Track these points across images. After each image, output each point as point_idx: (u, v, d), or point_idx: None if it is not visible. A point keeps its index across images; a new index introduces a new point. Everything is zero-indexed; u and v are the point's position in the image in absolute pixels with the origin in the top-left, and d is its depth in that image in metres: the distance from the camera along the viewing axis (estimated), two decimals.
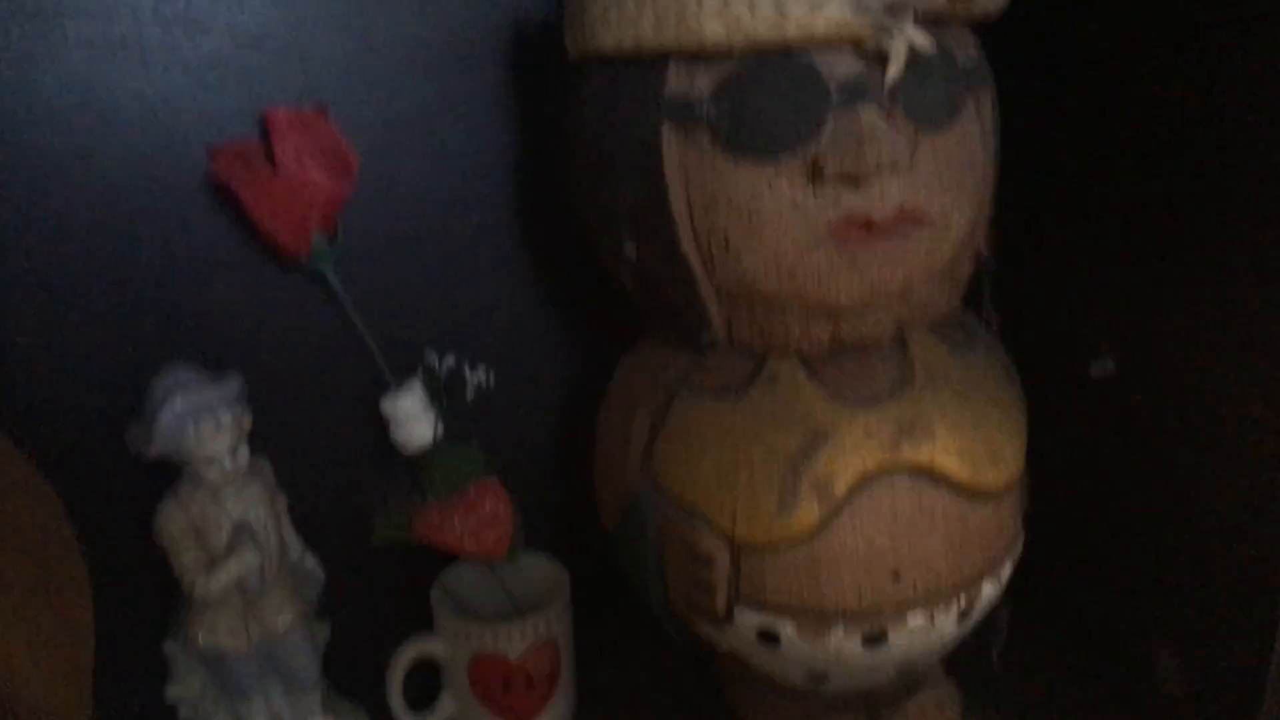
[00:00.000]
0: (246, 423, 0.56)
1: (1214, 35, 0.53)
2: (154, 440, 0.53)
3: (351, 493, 0.64)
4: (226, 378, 0.55)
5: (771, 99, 0.46)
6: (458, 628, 0.60)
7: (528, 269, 0.66)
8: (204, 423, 0.54)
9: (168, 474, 0.57)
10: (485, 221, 0.64)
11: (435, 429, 0.60)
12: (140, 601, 0.60)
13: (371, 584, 0.66)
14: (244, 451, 0.56)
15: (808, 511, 0.50)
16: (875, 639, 0.52)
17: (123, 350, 0.58)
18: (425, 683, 0.63)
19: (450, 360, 0.60)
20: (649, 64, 0.48)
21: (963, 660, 0.61)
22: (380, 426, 0.60)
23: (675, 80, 0.48)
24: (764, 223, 0.47)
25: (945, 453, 0.51)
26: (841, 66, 0.46)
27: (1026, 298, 0.66)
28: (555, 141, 0.62)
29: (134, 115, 0.56)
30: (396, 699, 0.61)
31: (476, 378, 0.60)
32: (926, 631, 0.53)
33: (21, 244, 0.56)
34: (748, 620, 0.53)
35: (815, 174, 0.46)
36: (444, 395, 0.60)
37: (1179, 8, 0.55)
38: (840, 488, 0.50)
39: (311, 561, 0.62)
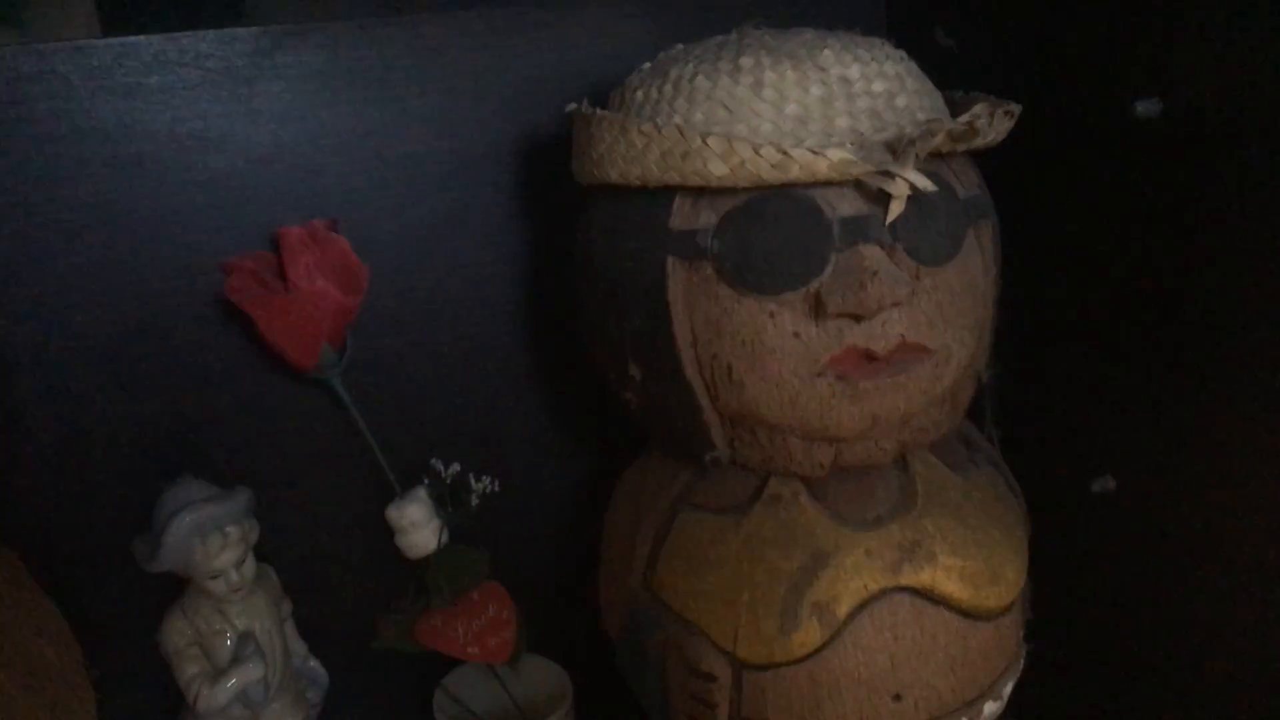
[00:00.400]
0: (253, 536, 0.57)
1: (1215, 152, 0.54)
2: (161, 556, 0.54)
3: (356, 598, 0.64)
4: (234, 492, 0.56)
5: (775, 236, 0.47)
6: None
7: (533, 379, 0.66)
8: (211, 539, 0.55)
9: (174, 583, 0.57)
10: (492, 332, 0.65)
11: (440, 536, 0.61)
12: (142, 709, 0.60)
13: (374, 688, 0.66)
14: (250, 563, 0.57)
15: (809, 633, 0.51)
16: None
17: (133, 460, 0.59)
18: None
19: (455, 468, 0.61)
20: (655, 196, 0.49)
21: None
22: (386, 533, 0.61)
23: (680, 214, 0.49)
24: (766, 353, 0.48)
25: (946, 575, 0.52)
26: (844, 205, 0.47)
27: (1028, 413, 0.67)
28: (562, 255, 0.64)
29: (149, 231, 0.58)
30: None
31: (481, 486, 0.61)
32: None
33: (38, 357, 0.57)
34: None
35: (818, 309, 0.47)
36: (449, 503, 0.61)
37: (1176, 133, 0.56)
38: (842, 609, 0.51)
39: (315, 665, 0.63)
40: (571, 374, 0.67)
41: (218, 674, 0.56)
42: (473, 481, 0.61)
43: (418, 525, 0.60)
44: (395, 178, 0.61)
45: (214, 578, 0.55)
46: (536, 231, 0.65)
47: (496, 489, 0.61)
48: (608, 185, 0.52)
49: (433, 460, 0.61)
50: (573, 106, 0.55)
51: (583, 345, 0.58)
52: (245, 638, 0.57)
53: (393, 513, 0.60)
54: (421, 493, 0.60)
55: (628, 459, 0.63)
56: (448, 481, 0.61)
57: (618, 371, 0.54)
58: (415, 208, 0.62)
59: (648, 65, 0.53)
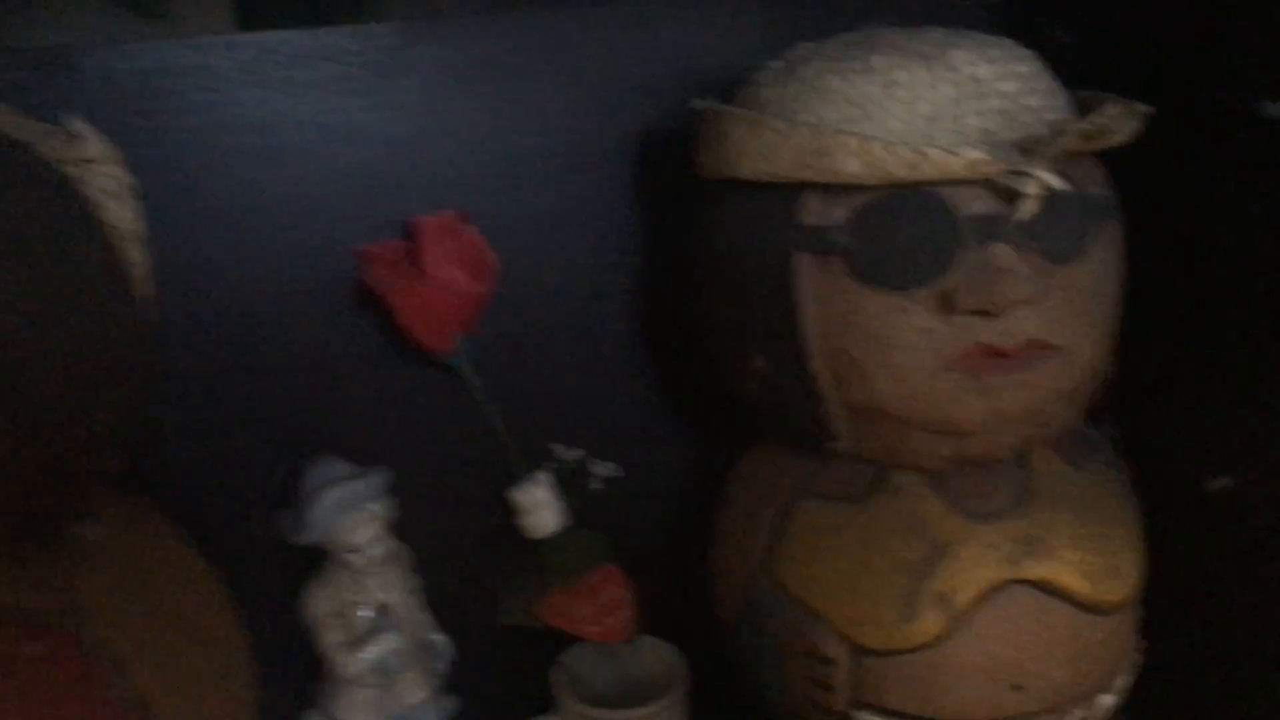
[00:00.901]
0: (390, 513, 0.60)
1: None
2: (306, 530, 0.57)
3: (480, 576, 0.66)
4: (373, 472, 0.59)
5: (905, 233, 0.48)
6: (579, 711, 0.63)
7: (648, 368, 0.68)
8: (353, 515, 0.58)
9: (313, 555, 0.60)
10: (609, 322, 0.67)
11: (560, 518, 0.63)
12: (279, 676, 0.63)
13: (495, 662, 0.69)
14: (387, 540, 0.60)
15: (930, 621, 0.52)
16: None
17: (273, 437, 0.62)
18: None
19: (577, 453, 0.63)
20: (785, 191, 0.51)
21: None
22: (509, 513, 0.63)
23: (811, 209, 0.50)
24: (894, 348, 0.49)
25: (1065, 569, 0.52)
26: (974, 203, 0.48)
27: (1146, 411, 0.67)
28: (678, 247, 0.65)
29: (290, 219, 0.61)
30: None
31: (602, 470, 0.63)
32: None
33: (184, 338, 0.60)
34: None
35: (947, 305, 0.48)
36: (570, 486, 0.63)
37: None
38: (962, 600, 0.52)
39: (441, 640, 0.66)
40: (685, 363, 0.68)
41: (356, 643, 0.59)
42: (593, 466, 0.63)
43: (540, 507, 0.63)
44: (520, 170, 0.64)
45: (353, 552, 0.58)
46: (654, 225, 0.66)
47: (617, 473, 0.63)
48: (736, 180, 0.53)
49: (554, 445, 0.63)
50: (700, 103, 0.57)
51: (698, 336, 0.60)
52: (383, 609, 0.60)
53: (516, 494, 0.62)
54: (544, 476, 0.63)
55: (740, 448, 0.65)
56: (569, 466, 0.63)
57: (739, 363, 0.55)
58: (538, 200, 0.64)
59: (777, 63, 0.54)
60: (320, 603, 0.59)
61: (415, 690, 0.62)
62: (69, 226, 0.43)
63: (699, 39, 0.65)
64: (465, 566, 0.67)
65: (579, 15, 0.63)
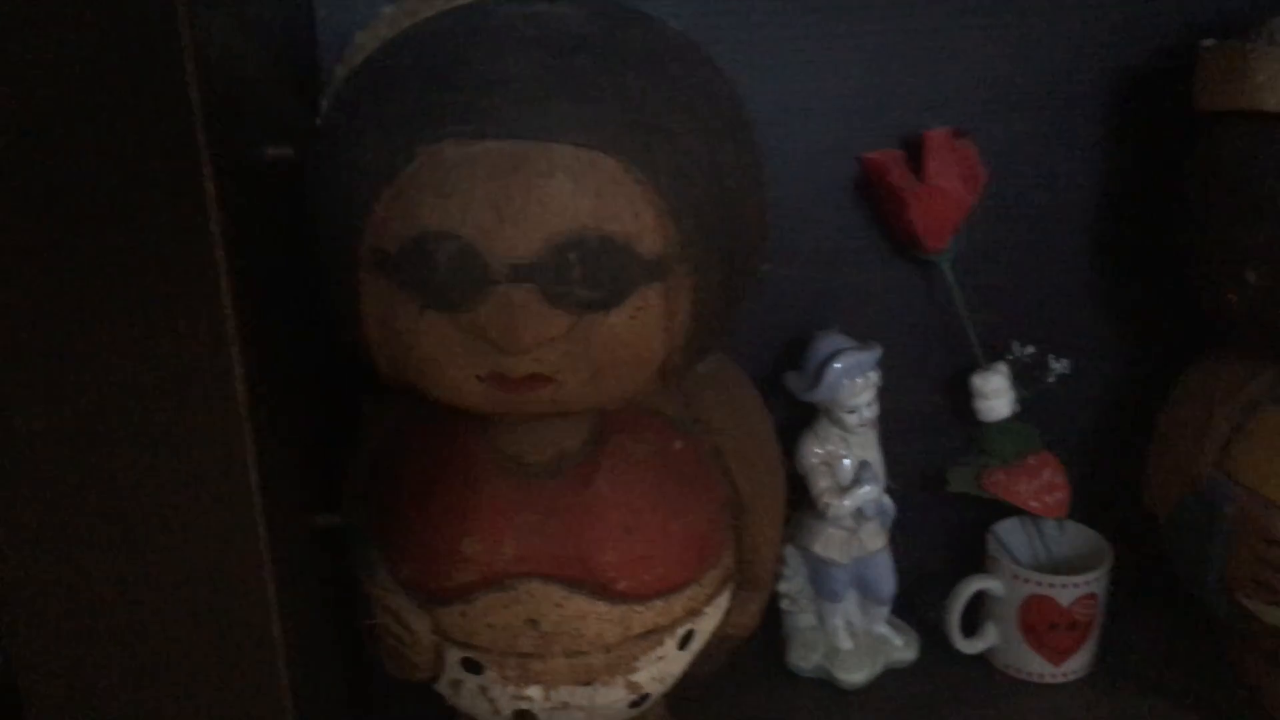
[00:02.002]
0: (879, 383, 0.70)
1: None
2: (818, 388, 0.68)
3: (924, 448, 0.76)
4: (873, 346, 0.69)
5: None
6: (1017, 571, 0.72)
7: (1104, 281, 0.76)
8: (857, 379, 0.68)
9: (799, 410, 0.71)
10: (1071, 236, 0.75)
11: (1012, 406, 0.72)
12: None
13: (932, 524, 0.78)
14: (875, 405, 0.70)
15: None
16: None
17: (779, 312, 0.73)
18: (967, 614, 0.75)
19: (1031, 349, 0.72)
20: None
21: None
22: (958, 397, 0.72)
23: None
24: None
25: None
26: None
27: None
28: (1144, 172, 0.72)
29: (811, 125, 0.70)
30: (954, 621, 0.73)
31: (1059, 366, 0.71)
32: None
33: None
34: None
35: None
36: (1025, 378, 0.72)
37: None
38: None
39: (888, 500, 0.75)
40: (1134, 279, 0.75)
41: (841, 490, 0.70)
42: (1051, 362, 0.71)
43: (998, 393, 0.71)
44: (1012, 96, 0.72)
45: (851, 412, 0.69)
46: (1122, 153, 0.73)
47: (1069, 370, 0.71)
48: (1251, 112, 0.60)
49: (1013, 341, 0.72)
50: (1210, 41, 0.63)
51: (1154, 251, 0.68)
52: (865, 464, 0.70)
53: (978, 380, 0.71)
54: (1003, 366, 0.71)
55: (1173, 359, 0.72)
56: (1024, 360, 0.72)
57: (1230, 274, 0.62)
58: (1025, 123, 0.72)
59: None
60: (813, 452, 0.70)
61: (876, 538, 0.72)
62: (741, 111, 0.53)
63: None
64: (914, 440, 0.77)
65: None
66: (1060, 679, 0.73)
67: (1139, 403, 0.74)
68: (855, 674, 0.73)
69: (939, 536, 0.79)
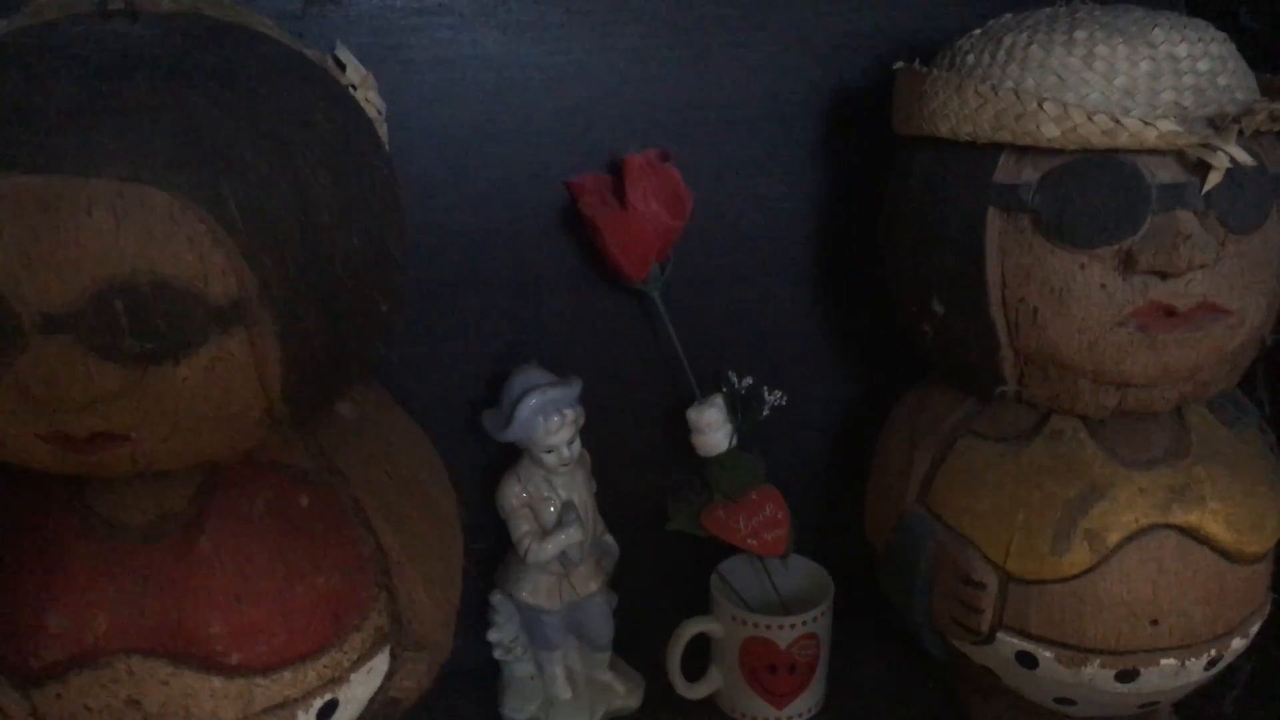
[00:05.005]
0: (581, 420, 0.66)
1: None
2: (511, 428, 0.64)
3: (649, 485, 0.73)
4: (571, 380, 0.65)
5: (1096, 195, 0.52)
6: (735, 613, 0.69)
7: (822, 306, 0.74)
8: (552, 418, 0.64)
9: (507, 452, 0.67)
10: (787, 262, 0.72)
11: (730, 440, 0.69)
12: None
13: (657, 566, 0.75)
14: (577, 444, 0.66)
15: (1080, 556, 0.57)
16: (1128, 676, 0.58)
17: (481, 343, 0.69)
18: (693, 656, 0.71)
19: (749, 381, 0.69)
20: (981, 151, 0.55)
21: (1193, 702, 0.66)
22: (680, 431, 0.69)
23: (1004, 169, 0.54)
24: (1072, 300, 0.54)
25: (1213, 518, 0.57)
26: (1163, 172, 0.52)
27: None
28: (857, 197, 0.70)
29: (512, 149, 0.67)
30: (675, 667, 0.70)
31: (772, 398, 0.69)
32: (1175, 674, 0.58)
33: (417, 250, 0.66)
34: (1009, 644, 0.60)
35: (1127, 264, 0.52)
36: (741, 411, 0.69)
37: None
38: (1112, 538, 0.57)
39: (609, 539, 0.72)
40: (854, 303, 0.73)
41: (544, 534, 0.66)
42: (765, 394, 0.69)
43: (713, 427, 0.68)
44: (719, 117, 0.69)
45: (549, 451, 0.65)
46: (836, 175, 0.71)
47: (784, 403, 0.69)
48: (933, 138, 0.58)
49: (729, 372, 0.69)
50: (900, 65, 0.61)
51: (873, 275, 0.65)
52: (568, 506, 0.66)
53: (693, 414, 0.68)
54: (719, 399, 0.68)
55: (896, 386, 0.70)
56: (741, 392, 0.69)
57: (919, 305, 0.60)
58: (730, 145, 0.69)
59: (978, 31, 0.59)
60: (514, 494, 0.66)
61: (588, 582, 0.68)
62: (362, 137, 0.49)
63: (899, 3, 0.69)
64: (636, 477, 0.73)
65: None
66: None
67: (862, 432, 0.72)
68: None
69: (672, 576, 0.76)
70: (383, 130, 0.59)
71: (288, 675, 0.50)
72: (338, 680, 0.52)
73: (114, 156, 0.40)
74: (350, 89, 0.57)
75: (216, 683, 0.49)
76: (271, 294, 0.43)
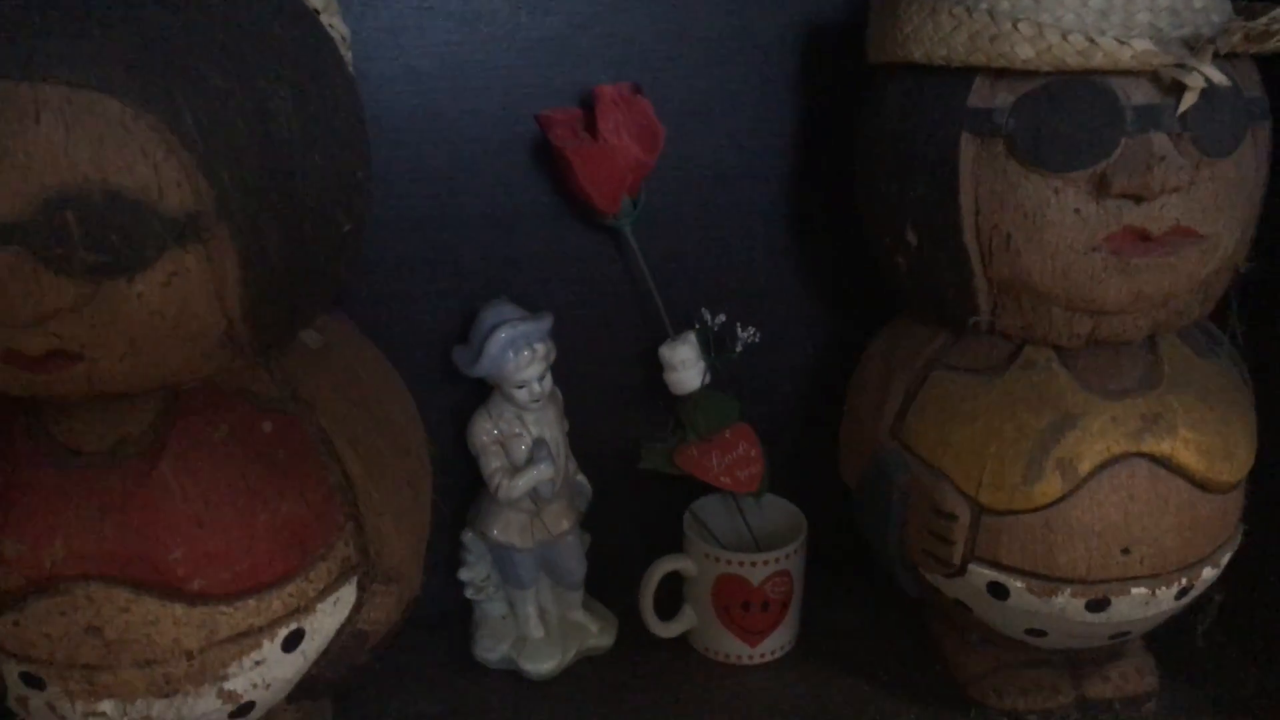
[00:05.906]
0: (552, 356, 0.65)
1: None
2: (481, 363, 0.63)
3: (623, 424, 0.72)
4: (542, 315, 0.64)
5: (1070, 118, 0.51)
6: (708, 550, 0.69)
7: (797, 243, 0.73)
8: (523, 352, 0.63)
9: (479, 390, 0.67)
10: (761, 197, 0.71)
11: (703, 377, 0.68)
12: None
13: (630, 505, 0.75)
14: (548, 379, 0.65)
15: (1051, 485, 0.57)
16: (1098, 605, 0.58)
17: (452, 280, 0.68)
18: (667, 596, 0.71)
19: (722, 318, 0.68)
20: (955, 75, 0.54)
21: (1164, 634, 0.66)
22: (654, 369, 0.69)
23: (978, 93, 0.54)
24: (1046, 225, 0.53)
25: (1185, 446, 0.56)
26: (1138, 94, 0.51)
27: (1273, 310, 0.69)
28: (833, 130, 0.69)
29: (482, 81, 0.65)
30: (648, 605, 0.69)
31: (746, 336, 0.68)
32: (1146, 604, 0.58)
33: (387, 187, 0.65)
34: (980, 574, 0.60)
35: (1101, 188, 0.51)
36: (714, 348, 0.68)
37: None
38: (1084, 467, 0.56)
39: (582, 479, 0.72)
40: (831, 242, 0.73)
41: (515, 470, 0.65)
42: (739, 331, 0.68)
43: (686, 365, 0.67)
44: (690, 50, 0.67)
45: (519, 387, 0.64)
46: (811, 109, 0.70)
47: (757, 340, 0.68)
48: (906, 64, 0.57)
49: (703, 309, 0.68)
50: None
51: (848, 212, 0.65)
52: (539, 443, 0.66)
53: (665, 351, 0.67)
54: (692, 337, 0.68)
55: (871, 324, 0.69)
56: (714, 329, 0.68)
57: (892, 236, 0.60)
58: (704, 79, 0.68)
59: None
60: (485, 431, 0.65)
61: (560, 520, 0.68)
62: (324, 56, 0.48)
63: None
64: (609, 415, 0.73)
65: None
66: (757, 660, 0.71)
67: (837, 370, 0.71)
68: (542, 664, 0.69)
69: (647, 515, 0.76)
70: (348, 57, 0.57)
71: (252, 603, 0.50)
72: (304, 610, 0.52)
73: (64, 61, 0.39)
74: (314, 12, 0.56)
75: (178, 610, 0.48)
76: (229, 208, 0.42)
